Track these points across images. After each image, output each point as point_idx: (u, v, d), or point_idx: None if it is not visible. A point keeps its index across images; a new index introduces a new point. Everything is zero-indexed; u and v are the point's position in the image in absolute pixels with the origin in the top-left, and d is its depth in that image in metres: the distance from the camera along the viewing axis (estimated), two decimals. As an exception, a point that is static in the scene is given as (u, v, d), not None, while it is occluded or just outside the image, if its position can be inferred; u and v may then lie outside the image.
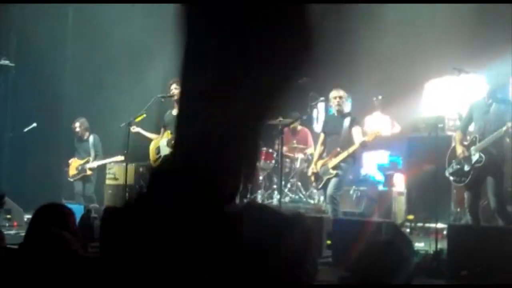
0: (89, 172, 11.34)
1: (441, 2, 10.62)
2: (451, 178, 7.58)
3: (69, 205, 4.08)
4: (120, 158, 10.78)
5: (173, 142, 8.33)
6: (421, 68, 11.14)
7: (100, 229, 6.79)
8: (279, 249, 1.76)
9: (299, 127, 11.48)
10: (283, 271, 1.78)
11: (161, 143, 8.64)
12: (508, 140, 7.08)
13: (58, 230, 2.91)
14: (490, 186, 7.21)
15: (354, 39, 12.55)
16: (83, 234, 6.76)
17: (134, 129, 9.01)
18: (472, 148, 7.25)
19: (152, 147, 8.87)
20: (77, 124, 11.51)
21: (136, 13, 12.26)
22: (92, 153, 11.43)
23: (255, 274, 1.76)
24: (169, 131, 8.61)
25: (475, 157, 7.21)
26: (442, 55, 10.76)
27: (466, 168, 7.32)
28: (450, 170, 7.56)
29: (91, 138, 11.50)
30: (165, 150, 8.54)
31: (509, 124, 6.93)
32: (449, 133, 9.43)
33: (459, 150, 7.40)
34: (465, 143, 7.48)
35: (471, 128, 7.65)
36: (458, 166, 7.44)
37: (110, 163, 11.52)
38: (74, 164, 11.43)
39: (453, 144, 7.74)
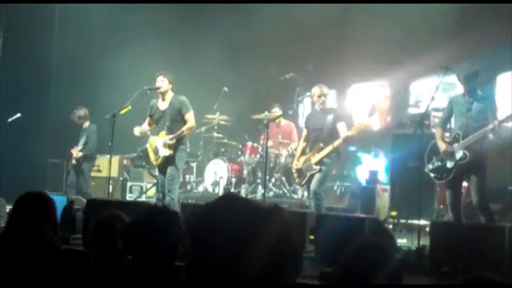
0: (74, 162, 11.24)
1: (442, 2, 10.65)
2: (432, 174, 7.58)
3: (52, 196, 4.04)
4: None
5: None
6: (407, 66, 11.18)
7: (82, 221, 6.80)
8: (255, 241, 1.75)
9: (284, 122, 11.48)
10: (260, 265, 1.77)
11: (157, 143, 8.62)
12: (491, 136, 7.08)
13: (37, 222, 2.89)
14: (473, 184, 7.23)
15: (343, 35, 12.62)
16: (65, 226, 6.74)
17: (137, 132, 8.93)
18: (456, 145, 7.26)
19: (149, 147, 8.86)
20: (75, 114, 11.41)
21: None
22: (81, 142, 11.32)
23: (230, 267, 1.75)
24: (163, 132, 8.59)
25: (458, 155, 7.21)
26: (427, 53, 10.81)
27: (449, 165, 7.32)
28: (430, 166, 7.55)
29: (87, 127, 11.39)
30: (163, 151, 8.52)
31: (495, 122, 6.95)
32: (434, 130, 9.48)
33: (442, 146, 7.39)
34: (447, 139, 7.48)
35: (451, 124, 7.66)
36: (439, 163, 7.44)
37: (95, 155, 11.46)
38: (72, 152, 11.32)
39: (433, 141, 7.73)
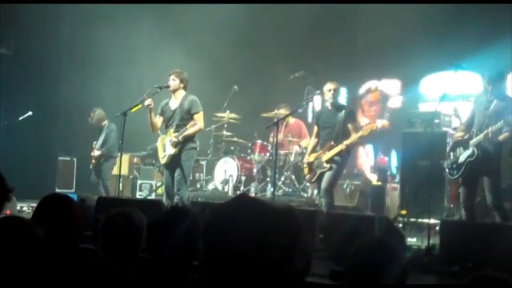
0: (92, 161, 11.29)
1: (442, 2, 10.63)
2: (446, 170, 7.59)
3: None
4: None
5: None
6: (417, 62, 11.15)
7: (93, 219, 6.82)
8: (268, 242, 1.76)
9: (292, 120, 11.49)
10: (272, 265, 1.77)
11: (166, 141, 8.62)
12: (502, 139, 7.06)
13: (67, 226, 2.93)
14: (487, 183, 7.22)
15: (350, 35, 12.60)
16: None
17: (148, 101, 8.79)
18: (470, 142, 7.26)
19: (159, 144, 8.85)
20: (91, 116, 11.47)
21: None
22: (100, 141, 11.34)
23: (243, 268, 1.76)
24: (171, 130, 8.58)
25: (469, 151, 7.22)
26: (439, 50, 10.79)
27: (461, 160, 7.32)
28: (448, 161, 7.56)
29: (105, 127, 11.41)
30: (170, 149, 8.52)
31: (489, 129, 6.98)
32: (445, 128, 9.45)
33: (458, 135, 7.43)
34: (460, 134, 7.50)
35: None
36: (454, 158, 7.45)
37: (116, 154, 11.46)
38: (92, 153, 11.37)
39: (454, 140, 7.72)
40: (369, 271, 2.59)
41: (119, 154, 9.14)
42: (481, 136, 7.09)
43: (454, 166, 7.41)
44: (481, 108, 7.34)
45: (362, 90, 13.04)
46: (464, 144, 7.36)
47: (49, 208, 3.45)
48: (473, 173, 7.30)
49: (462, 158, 7.31)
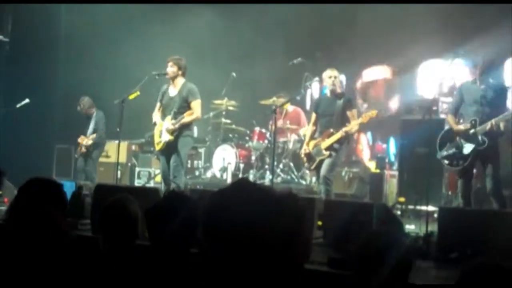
0: (83, 150, 11.27)
1: (442, 2, 10.60)
2: (445, 161, 7.56)
3: (61, 181, 4.02)
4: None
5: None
6: (415, 49, 11.12)
7: (91, 207, 6.82)
8: (269, 228, 1.74)
9: (291, 108, 11.48)
10: (273, 251, 1.76)
11: (163, 128, 8.58)
12: (502, 126, 7.07)
13: (48, 209, 2.88)
14: (489, 170, 7.23)
15: (349, 22, 12.54)
16: (74, 212, 6.74)
17: (155, 118, 8.84)
18: (473, 131, 7.24)
19: (156, 132, 8.80)
20: (80, 105, 11.44)
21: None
22: (90, 129, 11.33)
23: (243, 254, 1.74)
24: (169, 117, 8.54)
25: (476, 140, 7.21)
26: (436, 37, 10.76)
27: (466, 151, 7.30)
28: (444, 153, 7.53)
29: (94, 115, 11.39)
30: (166, 136, 8.49)
31: (493, 122, 7.00)
32: (443, 116, 9.44)
33: (461, 129, 7.38)
34: (462, 126, 7.45)
35: (462, 111, 7.62)
36: (455, 150, 7.42)
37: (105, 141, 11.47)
38: (80, 141, 11.33)
39: (446, 127, 7.71)
40: (370, 258, 2.59)
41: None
42: (487, 124, 7.08)
43: (458, 156, 7.40)
44: (474, 96, 7.33)
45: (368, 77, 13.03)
46: (465, 134, 7.33)
47: (30, 191, 3.41)
48: (475, 161, 7.32)
49: (468, 149, 7.30)
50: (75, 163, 11.90)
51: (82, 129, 11.47)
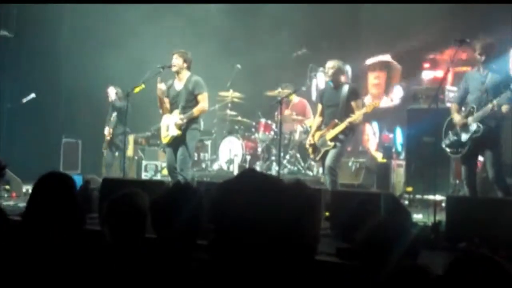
0: (108, 137, 11.25)
1: (442, 2, 10.56)
2: (448, 149, 7.54)
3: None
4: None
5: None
6: (421, 40, 11.09)
7: (99, 201, 6.83)
8: (277, 217, 1.74)
9: (297, 99, 11.47)
10: (282, 240, 1.75)
11: (170, 122, 8.56)
12: (505, 110, 7.02)
13: (60, 203, 2.89)
14: (489, 158, 7.20)
15: (355, 12, 12.51)
16: (81, 206, 6.74)
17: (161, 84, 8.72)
18: (469, 118, 7.21)
19: (163, 125, 8.78)
20: (116, 94, 11.26)
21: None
22: (114, 118, 11.26)
23: (253, 244, 1.74)
24: (177, 111, 8.52)
25: (472, 127, 7.17)
26: (440, 26, 10.72)
27: (463, 138, 7.29)
28: (447, 141, 7.52)
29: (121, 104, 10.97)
30: (173, 130, 8.48)
31: (494, 102, 6.93)
32: (449, 104, 9.40)
33: (457, 118, 7.37)
34: (462, 113, 7.43)
35: (468, 99, 7.59)
36: (455, 137, 7.40)
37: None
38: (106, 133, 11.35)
39: (450, 117, 7.69)
40: (377, 248, 2.58)
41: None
42: (485, 109, 7.05)
43: (457, 144, 7.38)
44: (476, 83, 7.29)
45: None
46: (461, 122, 7.31)
47: (49, 187, 3.38)
48: (475, 149, 7.29)
49: (465, 137, 7.27)
50: (83, 157, 11.91)
51: (92, 123, 11.45)
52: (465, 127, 7.26)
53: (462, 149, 7.32)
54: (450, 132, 7.49)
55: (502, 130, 7.26)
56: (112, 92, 11.31)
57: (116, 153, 11.34)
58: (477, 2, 10.24)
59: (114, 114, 11.23)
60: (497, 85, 7.09)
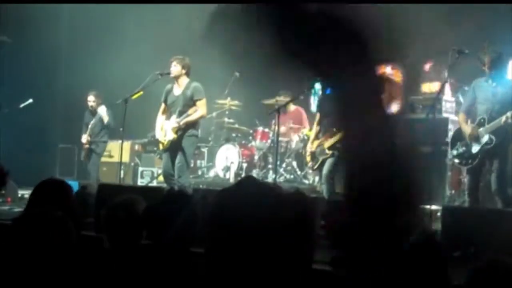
0: (85, 146, 11.00)
1: (441, 2, 10.56)
2: (456, 160, 7.53)
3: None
4: None
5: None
6: (420, 48, 11.09)
7: (95, 207, 6.81)
8: (276, 225, 1.74)
9: (293, 107, 11.46)
10: (280, 249, 1.75)
11: (167, 127, 8.55)
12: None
13: (62, 214, 2.89)
14: (496, 169, 7.19)
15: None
16: (78, 211, 6.73)
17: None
18: (481, 129, 7.20)
19: (160, 129, 8.72)
20: (94, 100, 10.96)
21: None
22: (97, 125, 10.95)
23: (250, 251, 1.74)
24: (174, 116, 8.52)
25: (484, 139, 7.16)
26: (441, 36, 10.72)
27: (474, 150, 7.26)
28: (455, 152, 7.48)
29: (100, 110, 10.87)
30: (170, 135, 8.47)
31: (508, 115, 6.92)
32: (446, 115, 9.41)
33: (468, 130, 7.32)
34: (469, 126, 7.40)
35: (477, 108, 7.57)
36: (464, 148, 7.37)
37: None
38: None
39: (456, 126, 7.67)
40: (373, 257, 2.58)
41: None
42: (498, 121, 7.03)
43: (467, 156, 7.35)
44: (486, 94, 7.28)
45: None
46: (472, 134, 7.29)
47: (47, 193, 3.40)
48: (484, 160, 7.28)
49: (476, 148, 7.26)
50: (79, 163, 11.87)
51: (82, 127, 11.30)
52: (475, 138, 7.25)
53: (473, 161, 7.29)
54: (458, 143, 7.47)
55: (510, 141, 7.26)
56: (91, 100, 11.08)
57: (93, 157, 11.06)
58: (477, 3, 10.22)
59: (93, 121, 10.95)
60: (507, 97, 7.08)
